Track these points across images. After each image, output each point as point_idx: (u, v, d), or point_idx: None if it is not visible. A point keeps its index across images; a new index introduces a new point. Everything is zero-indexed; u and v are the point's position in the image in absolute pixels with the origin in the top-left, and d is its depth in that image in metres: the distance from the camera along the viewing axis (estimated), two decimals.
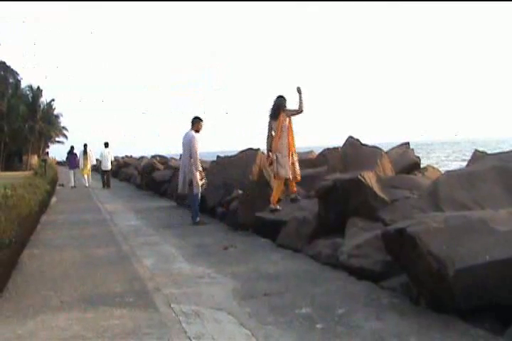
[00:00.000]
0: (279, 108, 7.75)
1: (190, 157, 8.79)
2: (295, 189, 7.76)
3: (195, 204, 8.85)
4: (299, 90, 7.58)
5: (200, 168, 8.87)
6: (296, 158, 7.83)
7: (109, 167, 20.48)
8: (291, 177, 7.64)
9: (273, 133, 7.82)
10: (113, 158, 22.33)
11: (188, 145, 8.83)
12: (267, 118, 7.90)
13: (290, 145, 7.72)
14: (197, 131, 9.03)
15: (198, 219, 8.81)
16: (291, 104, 7.82)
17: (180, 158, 8.92)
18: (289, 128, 7.75)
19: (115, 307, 4.04)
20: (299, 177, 7.76)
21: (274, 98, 7.87)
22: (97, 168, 26.15)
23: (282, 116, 7.69)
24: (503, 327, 3.22)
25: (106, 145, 20.97)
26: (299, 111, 7.69)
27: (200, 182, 8.82)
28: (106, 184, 20.40)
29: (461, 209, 4.65)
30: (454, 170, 6.05)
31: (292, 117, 7.78)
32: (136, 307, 4.03)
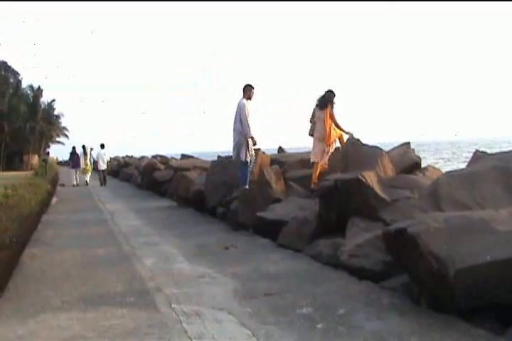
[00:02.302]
0: (327, 101, 8.62)
1: (241, 124, 8.87)
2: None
3: (242, 171, 8.89)
4: (350, 135, 8.51)
5: (251, 134, 8.84)
6: (330, 149, 8.66)
7: (105, 166, 22.22)
8: (319, 161, 8.56)
9: (316, 120, 8.75)
10: (109, 158, 24.18)
11: (238, 112, 8.93)
12: (313, 106, 8.80)
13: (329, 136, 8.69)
14: (248, 98, 9.09)
15: (246, 186, 8.71)
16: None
17: (233, 128, 9.07)
18: (327, 120, 8.61)
19: (116, 307, 4.04)
20: (325, 166, 8.55)
21: (325, 91, 8.73)
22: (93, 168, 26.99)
23: (329, 108, 8.59)
24: (504, 327, 3.23)
25: (102, 146, 22.51)
26: (337, 125, 8.64)
27: (250, 151, 8.87)
28: (103, 182, 21.85)
29: (461, 209, 4.65)
30: (454, 170, 6.05)
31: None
32: (137, 307, 4.03)
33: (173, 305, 4.05)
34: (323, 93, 8.73)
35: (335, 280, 4.61)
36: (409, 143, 8.66)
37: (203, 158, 17.59)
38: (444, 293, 3.48)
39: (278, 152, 12.98)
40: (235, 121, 9.02)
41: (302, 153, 10.72)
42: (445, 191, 5.01)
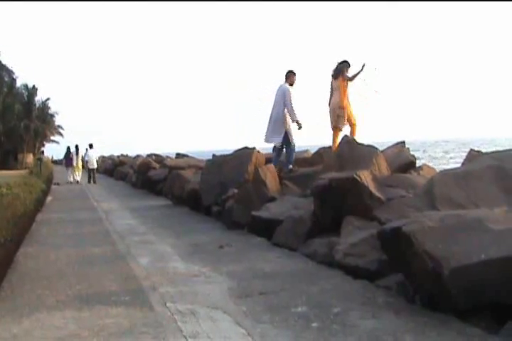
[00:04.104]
0: (339, 71, 9.12)
1: (285, 108, 9.10)
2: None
3: (291, 155, 9.31)
4: (362, 67, 8.92)
5: (297, 118, 9.11)
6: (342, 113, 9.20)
7: (95, 165, 23.65)
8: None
9: (333, 91, 9.20)
10: (97, 158, 25.53)
11: (282, 96, 9.13)
12: (330, 78, 9.30)
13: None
14: (291, 84, 9.29)
15: (290, 166, 9.15)
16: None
17: (272, 110, 9.38)
18: (344, 89, 9.11)
19: (111, 306, 4.03)
20: (341, 127, 9.25)
21: (338, 62, 9.20)
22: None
23: (342, 78, 9.06)
24: (499, 326, 3.23)
25: (91, 146, 23.91)
26: (349, 78, 9.04)
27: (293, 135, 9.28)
28: (92, 180, 23.03)
29: (456, 208, 4.66)
30: (449, 170, 6.06)
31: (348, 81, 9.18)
32: (132, 306, 4.02)
33: (167, 304, 4.05)
34: (337, 64, 9.15)
35: (330, 279, 4.61)
36: (404, 142, 8.69)
37: (198, 157, 17.57)
38: (439, 292, 3.49)
39: (273, 151, 12.97)
40: (274, 106, 9.19)
41: (297, 153, 10.71)
42: (440, 190, 5.02)
